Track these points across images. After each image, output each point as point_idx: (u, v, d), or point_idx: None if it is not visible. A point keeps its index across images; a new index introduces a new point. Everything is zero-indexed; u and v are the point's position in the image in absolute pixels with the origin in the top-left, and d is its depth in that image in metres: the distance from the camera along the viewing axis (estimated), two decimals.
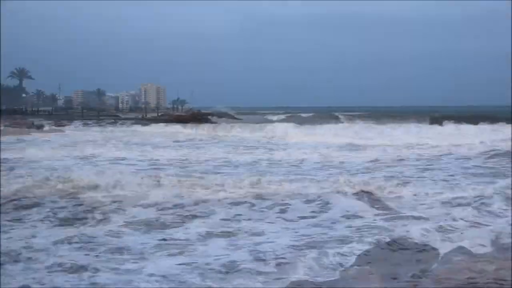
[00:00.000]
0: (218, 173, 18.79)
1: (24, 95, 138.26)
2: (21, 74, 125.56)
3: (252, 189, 14.50)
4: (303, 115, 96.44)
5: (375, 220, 11.09)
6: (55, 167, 19.86)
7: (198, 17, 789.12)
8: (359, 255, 8.33)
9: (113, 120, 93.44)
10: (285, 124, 55.01)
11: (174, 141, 36.93)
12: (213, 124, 68.50)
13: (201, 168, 20.28)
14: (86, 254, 8.76)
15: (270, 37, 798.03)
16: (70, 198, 13.66)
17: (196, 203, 12.93)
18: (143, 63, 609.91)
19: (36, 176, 16.03)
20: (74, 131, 61.91)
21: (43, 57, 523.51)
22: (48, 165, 20.84)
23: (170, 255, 8.76)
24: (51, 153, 25.94)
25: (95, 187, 14.53)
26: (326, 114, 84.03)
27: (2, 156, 24.03)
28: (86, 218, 11.68)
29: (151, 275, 7.67)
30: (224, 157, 24.48)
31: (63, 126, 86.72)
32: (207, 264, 8.17)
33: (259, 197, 13.59)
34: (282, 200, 13.25)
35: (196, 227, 10.63)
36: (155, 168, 20.17)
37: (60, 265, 8.06)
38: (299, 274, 7.55)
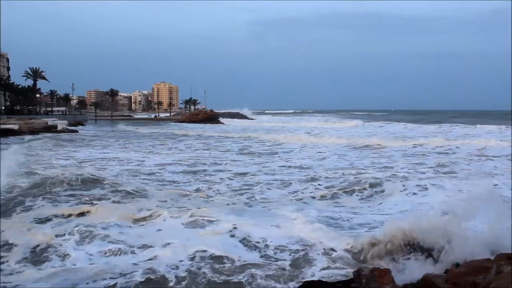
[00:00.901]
0: None
1: (38, 95, 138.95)
2: (35, 74, 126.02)
3: None
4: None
5: None
6: None
7: (212, 18, 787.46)
8: None
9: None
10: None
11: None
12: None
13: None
14: None
15: (286, 37, 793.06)
16: None
17: None
18: (156, 62, 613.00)
19: None
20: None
21: (57, 57, 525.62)
22: None
23: None
24: None
25: None
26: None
27: None
28: None
29: None
30: None
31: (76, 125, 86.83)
32: None
33: None
34: None
35: None
36: None
37: None
38: None
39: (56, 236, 11.29)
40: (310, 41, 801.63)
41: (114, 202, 15.34)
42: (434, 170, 22.41)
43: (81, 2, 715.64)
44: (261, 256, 9.99)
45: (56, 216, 13.50)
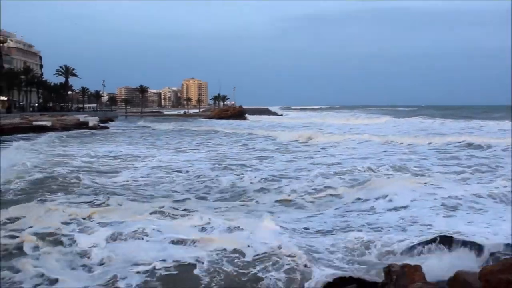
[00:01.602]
0: None
1: (70, 92, 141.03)
2: (67, 72, 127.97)
3: None
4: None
5: None
6: None
7: (240, 15, 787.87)
8: None
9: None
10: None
11: None
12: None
13: None
14: None
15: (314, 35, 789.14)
16: None
17: None
18: (185, 59, 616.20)
19: None
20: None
21: (88, 55, 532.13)
22: None
23: None
24: None
25: None
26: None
27: None
28: None
29: None
30: None
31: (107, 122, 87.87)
32: None
33: None
34: None
35: None
36: None
37: None
38: None
39: None
40: (335, 37, 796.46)
41: None
42: None
43: (112, 2, 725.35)
44: None
45: None
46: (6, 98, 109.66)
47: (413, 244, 9.73)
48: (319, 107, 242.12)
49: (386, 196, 14.91)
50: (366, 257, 9.60)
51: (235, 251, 9.84)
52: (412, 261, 8.31)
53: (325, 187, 17.61)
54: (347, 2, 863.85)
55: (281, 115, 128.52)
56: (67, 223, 12.17)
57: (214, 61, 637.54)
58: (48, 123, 69.81)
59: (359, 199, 15.42)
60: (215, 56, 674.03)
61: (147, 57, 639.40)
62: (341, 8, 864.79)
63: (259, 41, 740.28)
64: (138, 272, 8.93)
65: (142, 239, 10.87)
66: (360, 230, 11.34)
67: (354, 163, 23.61)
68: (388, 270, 7.42)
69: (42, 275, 8.80)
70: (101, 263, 9.48)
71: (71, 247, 10.41)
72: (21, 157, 26.86)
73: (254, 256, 9.51)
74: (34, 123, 69.93)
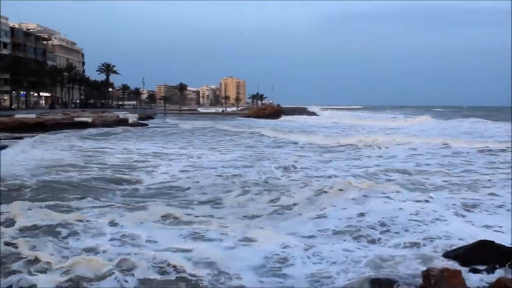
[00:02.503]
0: None
1: (110, 89, 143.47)
2: (108, 69, 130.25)
3: None
4: None
5: None
6: None
7: (279, 12, 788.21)
8: None
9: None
10: None
11: None
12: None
13: None
14: None
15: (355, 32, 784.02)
16: None
17: None
18: (224, 57, 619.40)
19: None
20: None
21: (128, 53, 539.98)
22: None
23: None
24: None
25: None
26: None
27: None
28: None
29: None
30: None
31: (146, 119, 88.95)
32: None
33: None
34: None
35: None
36: None
37: None
38: None
39: None
40: (376, 35, 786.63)
41: None
42: None
43: (152, 2, 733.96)
44: None
45: None
46: (49, 95, 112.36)
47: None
48: (360, 106, 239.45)
49: None
50: None
51: None
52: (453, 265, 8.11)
53: None
54: (395, 3, 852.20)
55: (318, 115, 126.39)
56: None
57: (253, 59, 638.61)
58: (89, 119, 71.12)
59: None
60: (254, 54, 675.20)
61: (187, 55, 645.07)
62: (388, 5, 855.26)
63: (299, 39, 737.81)
64: None
65: None
66: None
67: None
68: (427, 274, 7.27)
69: None
70: None
71: None
72: None
73: None
74: (76, 119, 71.37)
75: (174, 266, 8.93)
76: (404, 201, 14.33)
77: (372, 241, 10.77)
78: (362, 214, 12.89)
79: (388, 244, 10.45)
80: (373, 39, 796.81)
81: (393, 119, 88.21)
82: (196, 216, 13.25)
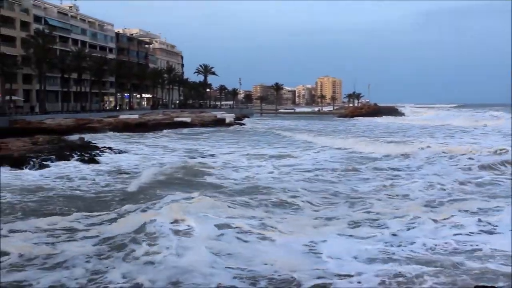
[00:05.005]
0: None
1: (208, 90, 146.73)
2: (206, 70, 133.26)
3: None
4: None
5: None
6: None
7: (372, 10, 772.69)
8: None
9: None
10: None
11: None
12: None
13: None
14: None
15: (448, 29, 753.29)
16: None
17: None
18: (320, 57, 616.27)
19: None
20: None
21: (225, 54, 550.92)
22: None
23: None
24: None
25: None
26: None
27: None
28: None
29: None
30: None
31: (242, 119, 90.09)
32: None
33: None
34: None
35: None
36: None
37: None
38: None
39: None
40: (476, 31, 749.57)
41: None
42: None
43: (246, 2, 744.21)
44: None
45: None
46: (151, 96, 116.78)
47: None
48: (455, 105, 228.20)
49: None
50: None
51: None
52: None
53: None
54: None
55: (407, 115, 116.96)
56: None
57: (349, 58, 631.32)
58: (188, 119, 73.15)
59: None
60: (350, 53, 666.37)
61: (283, 55, 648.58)
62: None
63: (395, 37, 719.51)
64: None
65: None
66: None
67: None
68: None
69: None
70: None
71: None
72: None
73: None
74: (175, 119, 73.67)
75: None
76: None
77: None
78: None
79: None
80: (471, 34, 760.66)
81: (494, 118, 79.17)
82: None
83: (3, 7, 72.33)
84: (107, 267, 10.52)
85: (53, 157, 29.06)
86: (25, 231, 13.48)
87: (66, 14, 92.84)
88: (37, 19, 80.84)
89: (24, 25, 76.27)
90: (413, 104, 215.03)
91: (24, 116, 62.24)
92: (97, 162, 29.35)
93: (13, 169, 25.65)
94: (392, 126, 74.21)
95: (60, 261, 10.97)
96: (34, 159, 27.76)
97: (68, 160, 29.08)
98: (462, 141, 42.42)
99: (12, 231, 13.45)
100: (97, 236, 13.06)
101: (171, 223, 13.52)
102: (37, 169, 26.06)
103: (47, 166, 26.99)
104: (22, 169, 25.89)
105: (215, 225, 13.39)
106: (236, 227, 13.31)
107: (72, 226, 14.23)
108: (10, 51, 70.89)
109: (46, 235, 13.24)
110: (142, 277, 9.70)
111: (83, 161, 29.09)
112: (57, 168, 26.55)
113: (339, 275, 9.86)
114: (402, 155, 30.87)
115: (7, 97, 65.34)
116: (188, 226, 13.18)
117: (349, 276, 9.81)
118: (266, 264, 10.52)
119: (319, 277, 9.80)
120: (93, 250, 11.76)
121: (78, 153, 30.99)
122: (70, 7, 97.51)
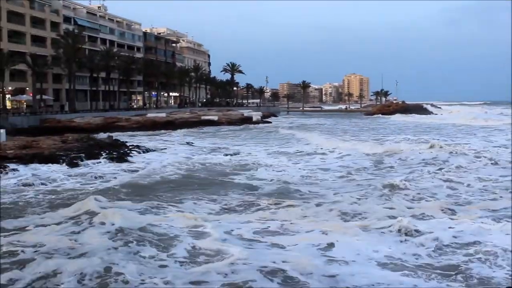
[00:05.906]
0: None
1: (235, 88, 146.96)
2: (233, 68, 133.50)
3: None
4: None
5: None
6: None
7: (401, 7, 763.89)
8: None
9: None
10: None
11: None
12: None
13: None
14: None
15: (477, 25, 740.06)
16: None
17: None
18: (347, 54, 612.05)
19: None
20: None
21: (252, 53, 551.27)
22: None
23: None
24: None
25: None
26: None
27: None
28: None
29: None
30: None
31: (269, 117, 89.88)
32: None
33: None
34: None
35: None
36: None
37: None
38: None
39: None
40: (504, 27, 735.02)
41: None
42: None
43: (273, 2, 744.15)
44: None
45: None
46: (178, 94, 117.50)
47: None
48: (482, 102, 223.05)
49: None
50: None
51: None
52: None
53: None
54: None
55: (435, 113, 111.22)
56: None
57: (376, 55, 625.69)
58: (215, 118, 73.31)
59: None
60: (378, 50, 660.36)
61: (309, 53, 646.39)
62: None
63: (423, 34, 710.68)
64: None
65: None
66: None
67: None
68: None
69: None
70: None
71: None
72: None
73: None
74: (202, 117, 73.95)
75: None
76: None
77: None
78: None
79: None
80: (496, 32, 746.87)
81: None
82: None
83: (34, 8, 73.77)
84: None
85: (82, 155, 29.45)
86: None
87: (95, 14, 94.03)
88: (67, 19, 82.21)
89: (54, 25, 77.65)
90: (442, 101, 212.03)
91: (54, 115, 63.27)
92: (126, 160, 29.61)
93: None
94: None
95: None
96: (64, 157, 28.25)
97: (97, 158, 29.39)
98: None
99: None
100: None
101: None
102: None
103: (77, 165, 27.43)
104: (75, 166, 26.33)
105: None
106: None
107: None
108: (40, 51, 72.27)
109: None
110: None
111: (111, 159, 29.36)
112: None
113: None
114: None
115: (38, 96, 66.57)
116: None
117: None
118: None
119: None
120: None
121: (107, 151, 31.35)
122: (98, 7, 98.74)
